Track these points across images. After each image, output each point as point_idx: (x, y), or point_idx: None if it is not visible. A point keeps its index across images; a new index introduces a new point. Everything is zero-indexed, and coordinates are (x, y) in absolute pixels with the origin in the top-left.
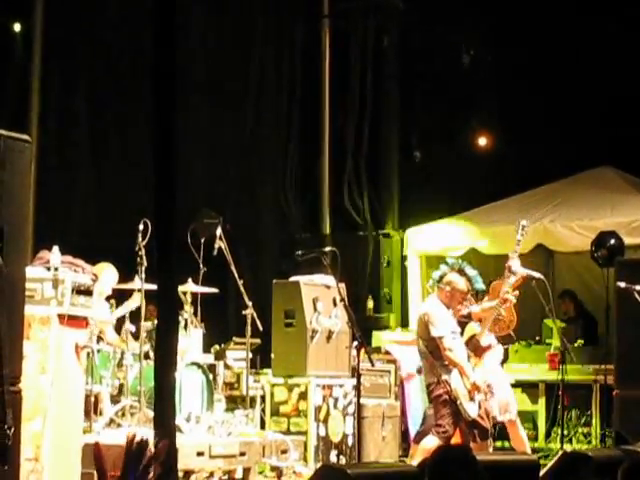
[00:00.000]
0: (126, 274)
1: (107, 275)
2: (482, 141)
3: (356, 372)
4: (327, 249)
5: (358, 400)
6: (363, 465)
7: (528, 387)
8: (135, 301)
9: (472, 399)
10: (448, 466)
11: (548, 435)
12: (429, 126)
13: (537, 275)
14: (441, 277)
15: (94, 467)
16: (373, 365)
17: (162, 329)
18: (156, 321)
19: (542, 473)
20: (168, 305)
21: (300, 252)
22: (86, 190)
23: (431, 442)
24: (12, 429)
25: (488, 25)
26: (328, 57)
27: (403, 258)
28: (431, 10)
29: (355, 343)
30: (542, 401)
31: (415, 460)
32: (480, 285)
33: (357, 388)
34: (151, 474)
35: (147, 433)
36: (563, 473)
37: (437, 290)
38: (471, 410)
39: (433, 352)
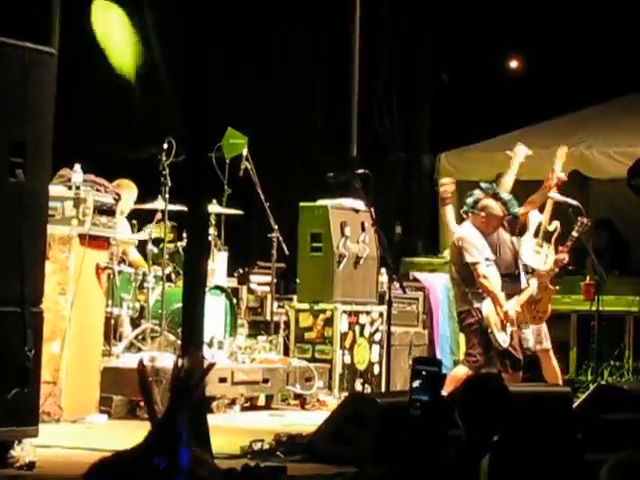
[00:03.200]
0: (149, 194)
1: (128, 193)
2: (513, 64)
3: (387, 299)
4: (359, 171)
5: (389, 328)
6: (392, 394)
7: (559, 318)
8: (156, 230)
9: (504, 329)
10: (479, 396)
11: (579, 368)
12: (461, 49)
13: (574, 202)
14: (475, 202)
15: (119, 393)
16: (404, 292)
17: (192, 251)
18: (179, 243)
19: (575, 405)
20: (198, 227)
21: (332, 174)
22: (111, 107)
23: (461, 371)
24: (32, 351)
25: None
26: None
27: (433, 183)
28: None
29: (385, 269)
30: (574, 332)
31: (445, 389)
32: (515, 209)
33: (388, 316)
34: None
35: (169, 358)
36: (597, 406)
37: (472, 216)
38: (502, 340)
39: (465, 279)
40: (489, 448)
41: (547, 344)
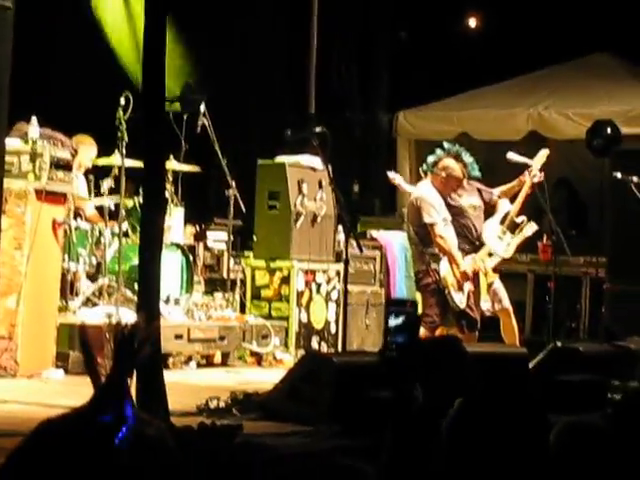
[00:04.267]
0: (106, 149)
1: (86, 148)
2: (472, 23)
3: (344, 258)
4: (318, 129)
5: (345, 287)
6: (349, 354)
7: (516, 277)
8: (114, 198)
9: (461, 289)
10: (436, 357)
11: (535, 328)
12: (420, 7)
13: (531, 162)
14: (436, 162)
15: (76, 349)
16: (362, 251)
17: (148, 208)
18: (136, 199)
19: (531, 365)
20: (155, 183)
21: (290, 132)
22: (67, 61)
23: None
24: None
25: None
26: None
27: (391, 141)
28: None
29: (342, 228)
30: (530, 292)
31: None
32: (476, 172)
33: (345, 275)
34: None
35: (126, 313)
36: (552, 367)
37: (431, 175)
38: (459, 300)
39: (423, 239)
40: (448, 410)
41: (506, 303)
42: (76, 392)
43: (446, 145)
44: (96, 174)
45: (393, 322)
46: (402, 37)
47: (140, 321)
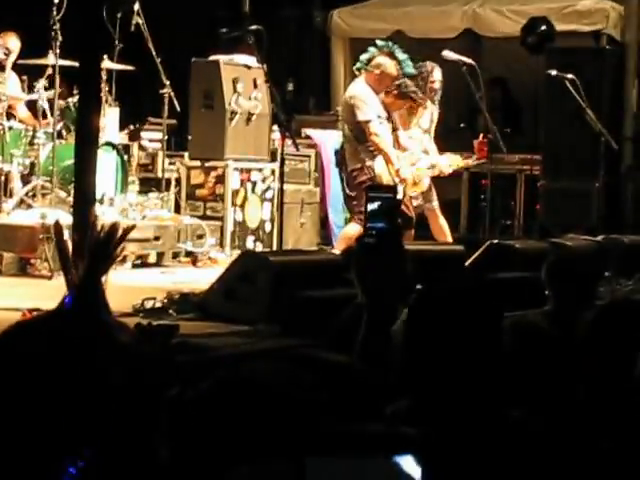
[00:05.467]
0: (38, 49)
1: (13, 45)
2: None
3: (280, 156)
4: (252, 27)
5: (281, 186)
6: (285, 252)
7: (451, 176)
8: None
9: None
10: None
11: (471, 226)
12: None
13: (468, 60)
14: (369, 60)
15: (9, 250)
16: (297, 149)
17: (83, 107)
18: (70, 99)
19: (467, 263)
20: (89, 82)
21: (225, 30)
22: None
23: (353, 229)
24: None
25: None
26: None
27: (326, 40)
28: None
29: (277, 126)
30: (465, 190)
31: (337, 247)
32: (410, 69)
33: (280, 174)
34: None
35: (60, 214)
36: (489, 264)
37: (365, 73)
38: None
39: (358, 137)
40: (392, 309)
41: (435, 203)
42: (10, 294)
43: (379, 43)
44: (29, 74)
45: (371, 207)
46: None
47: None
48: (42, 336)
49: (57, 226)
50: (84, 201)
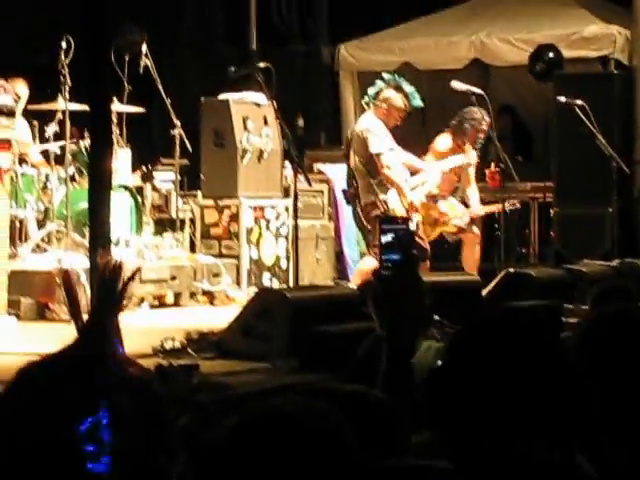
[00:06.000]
0: (46, 94)
1: (22, 92)
2: None
3: (293, 192)
4: (261, 65)
5: (296, 222)
6: (302, 288)
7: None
8: (57, 126)
9: (409, 219)
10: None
11: (485, 255)
12: None
13: (477, 90)
14: (377, 94)
15: (27, 295)
16: (310, 184)
17: (96, 150)
18: (82, 142)
19: (484, 293)
20: (101, 125)
21: (234, 68)
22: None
23: (369, 263)
24: None
25: None
26: None
27: (334, 74)
28: None
29: (288, 162)
30: (478, 220)
31: (353, 281)
32: (417, 102)
33: (294, 209)
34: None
35: (76, 258)
36: (506, 293)
37: (373, 107)
38: None
39: (370, 170)
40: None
41: (476, 229)
42: (30, 338)
43: (386, 76)
44: (40, 119)
45: (385, 240)
46: None
47: (117, 267)
48: (51, 375)
49: (64, 273)
50: (100, 244)
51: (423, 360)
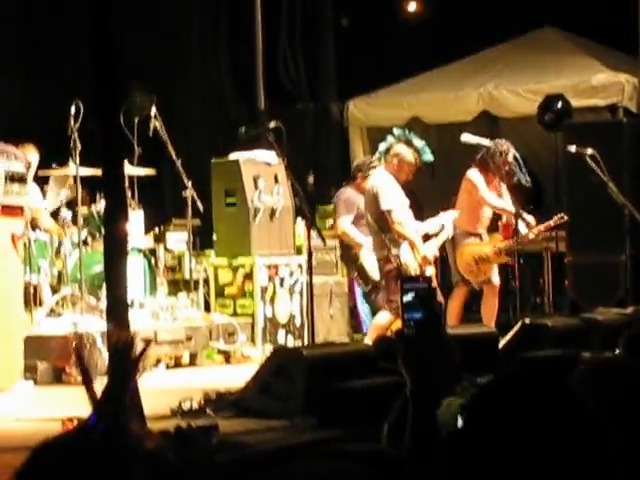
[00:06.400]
0: (57, 159)
1: (32, 157)
2: (412, 7)
3: (307, 249)
4: (272, 125)
5: (310, 279)
6: (317, 346)
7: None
8: (68, 191)
9: (423, 272)
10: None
11: (500, 306)
12: None
13: (487, 143)
14: (388, 149)
15: (43, 360)
16: (325, 243)
17: (112, 214)
18: (93, 206)
19: (501, 345)
20: (115, 188)
21: (244, 129)
22: (10, 71)
23: (384, 318)
24: None
25: None
26: None
27: (343, 130)
28: None
29: (300, 219)
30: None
31: (369, 337)
32: (428, 157)
33: (309, 266)
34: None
35: (91, 321)
36: (523, 344)
37: (384, 163)
38: None
39: (382, 226)
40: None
41: (497, 279)
42: (47, 403)
43: (396, 132)
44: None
45: (407, 299)
46: (343, 23)
47: (130, 339)
48: (66, 455)
49: (75, 344)
50: (117, 306)
51: (444, 418)
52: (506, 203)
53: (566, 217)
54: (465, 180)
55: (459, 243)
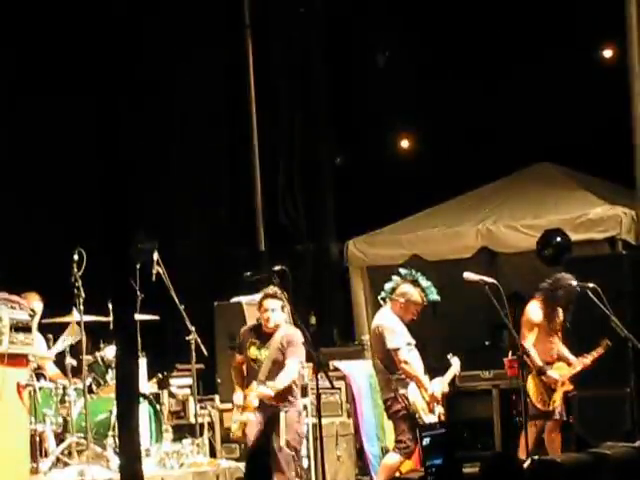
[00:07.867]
0: (59, 307)
1: (36, 306)
2: (405, 144)
3: (316, 392)
4: (277, 268)
5: (319, 421)
6: None
7: (480, 394)
8: (72, 335)
9: (431, 411)
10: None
11: (505, 444)
12: (357, 132)
13: (489, 280)
14: (394, 289)
15: None
16: (332, 386)
17: (122, 360)
18: (97, 353)
19: None
20: (126, 335)
21: (249, 273)
22: (11, 221)
23: (393, 459)
24: None
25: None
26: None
27: (344, 270)
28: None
29: (303, 361)
30: (497, 408)
31: (378, 479)
32: (434, 296)
33: (317, 409)
34: None
35: (97, 470)
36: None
37: (390, 302)
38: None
39: (388, 366)
40: None
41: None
42: None
43: (402, 271)
44: (53, 332)
45: (425, 445)
46: (337, 162)
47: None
48: None
49: None
50: (130, 455)
51: None
52: None
53: (610, 342)
54: None
55: None
